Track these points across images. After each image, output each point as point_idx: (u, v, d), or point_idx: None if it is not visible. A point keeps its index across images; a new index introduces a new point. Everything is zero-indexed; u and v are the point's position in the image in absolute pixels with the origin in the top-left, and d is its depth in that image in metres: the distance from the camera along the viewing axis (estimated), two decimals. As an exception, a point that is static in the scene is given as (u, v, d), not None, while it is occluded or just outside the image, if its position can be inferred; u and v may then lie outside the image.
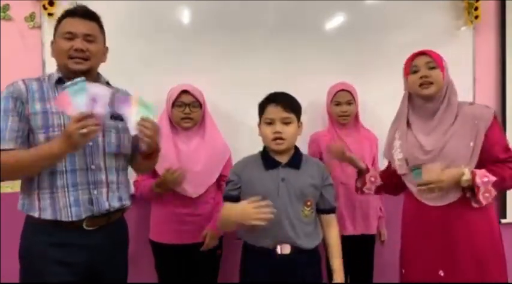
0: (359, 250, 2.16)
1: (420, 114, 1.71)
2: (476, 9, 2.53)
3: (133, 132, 1.42)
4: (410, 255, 1.73)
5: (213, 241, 1.97)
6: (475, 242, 1.59)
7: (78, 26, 1.45)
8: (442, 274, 1.62)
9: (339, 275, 1.61)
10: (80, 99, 1.28)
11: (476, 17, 2.54)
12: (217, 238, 1.99)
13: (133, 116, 1.42)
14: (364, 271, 2.21)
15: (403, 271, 1.76)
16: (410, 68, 1.69)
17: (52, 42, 1.51)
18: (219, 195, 2.04)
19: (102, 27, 1.53)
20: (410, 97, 1.74)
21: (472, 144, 1.58)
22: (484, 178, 1.54)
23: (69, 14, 1.47)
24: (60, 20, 1.48)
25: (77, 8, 1.48)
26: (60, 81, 1.47)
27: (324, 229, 1.65)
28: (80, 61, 1.44)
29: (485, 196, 1.55)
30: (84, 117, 1.27)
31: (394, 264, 1.87)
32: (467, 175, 1.54)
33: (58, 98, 1.34)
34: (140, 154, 1.59)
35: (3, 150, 1.34)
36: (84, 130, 1.26)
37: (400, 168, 1.73)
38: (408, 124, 1.74)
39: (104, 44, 1.55)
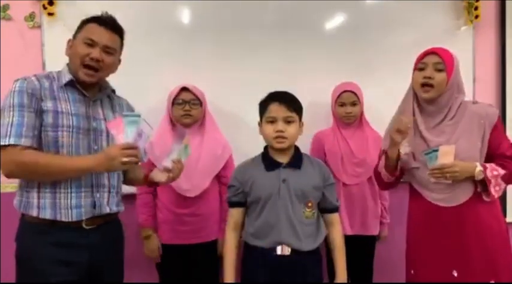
0: (358, 250, 2.15)
1: (423, 113, 1.71)
2: (476, 8, 2.53)
3: (168, 164, 1.51)
4: (420, 256, 1.71)
5: None
6: (487, 241, 1.60)
7: (102, 35, 1.45)
8: (455, 274, 1.62)
9: (341, 276, 1.61)
10: (130, 130, 1.34)
11: (476, 17, 2.53)
12: None
13: (175, 152, 1.52)
14: (364, 271, 2.20)
15: (412, 271, 1.74)
16: (418, 65, 1.68)
17: (69, 40, 1.50)
18: (220, 195, 2.05)
19: (123, 42, 1.54)
20: (416, 93, 1.73)
21: (479, 143, 1.61)
22: (494, 171, 1.58)
23: (97, 20, 1.47)
24: (85, 23, 1.48)
25: (106, 17, 1.48)
26: (71, 83, 1.46)
27: (327, 228, 1.65)
28: (91, 73, 1.45)
29: (496, 189, 1.59)
30: (131, 147, 1.33)
31: (394, 264, 1.87)
32: (479, 168, 1.57)
33: (112, 122, 1.41)
34: (146, 178, 1.63)
35: (20, 146, 1.33)
36: (126, 159, 1.31)
37: (409, 162, 1.72)
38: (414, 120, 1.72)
39: (119, 57, 1.56)
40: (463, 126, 1.62)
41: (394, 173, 1.75)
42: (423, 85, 1.63)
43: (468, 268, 1.60)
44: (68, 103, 1.44)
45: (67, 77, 1.46)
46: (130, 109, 1.66)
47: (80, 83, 1.47)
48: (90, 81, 1.45)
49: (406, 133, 1.62)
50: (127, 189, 1.73)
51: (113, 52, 1.49)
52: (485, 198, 1.61)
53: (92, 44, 1.44)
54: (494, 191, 1.59)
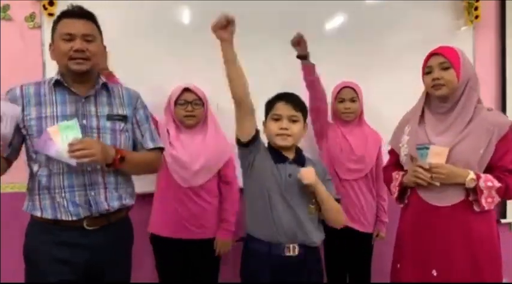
0: (355, 248, 2.16)
1: (435, 112, 1.70)
2: (476, 9, 2.53)
3: (73, 162, 1.36)
4: (405, 251, 1.72)
5: (225, 247, 2.01)
6: (473, 246, 1.58)
7: (76, 26, 1.44)
8: (435, 274, 1.61)
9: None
10: None
11: (476, 17, 2.54)
12: (229, 244, 2.03)
13: (61, 148, 1.35)
14: (362, 271, 2.21)
15: (398, 265, 1.75)
16: (425, 69, 1.68)
17: (50, 45, 1.51)
18: (222, 195, 2.06)
19: (99, 27, 1.53)
20: (428, 95, 1.73)
21: (482, 151, 1.58)
22: (488, 182, 1.54)
23: (66, 15, 1.46)
24: (56, 22, 1.48)
25: (73, 8, 1.48)
26: (58, 83, 1.47)
27: None
28: (81, 61, 1.44)
29: (488, 201, 1.55)
30: None
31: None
32: (471, 176, 1.54)
33: None
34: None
35: None
36: None
37: (406, 164, 1.73)
38: (421, 121, 1.72)
39: (102, 43, 1.55)
40: (470, 130, 1.60)
41: (403, 200, 1.76)
42: (433, 86, 1.63)
43: (449, 269, 1.59)
44: (54, 106, 1.45)
45: (54, 78, 1.47)
46: (134, 96, 1.62)
47: (71, 80, 1.47)
48: (81, 69, 1.45)
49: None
50: (140, 188, 1.72)
51: (93, 39, 1.48)
52: (475, 208, 1.57)
53: (70, 38, 1.44)
54: (486, 202, 1.55)
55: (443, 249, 1.60)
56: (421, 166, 1.58)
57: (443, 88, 1.61)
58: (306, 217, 1.55)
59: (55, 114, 1.43)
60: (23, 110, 1.42)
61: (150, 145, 1.61)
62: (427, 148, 1.57)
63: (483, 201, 1.55)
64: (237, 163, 1.90)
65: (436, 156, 1.55)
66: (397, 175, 1.76)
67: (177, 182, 1.94)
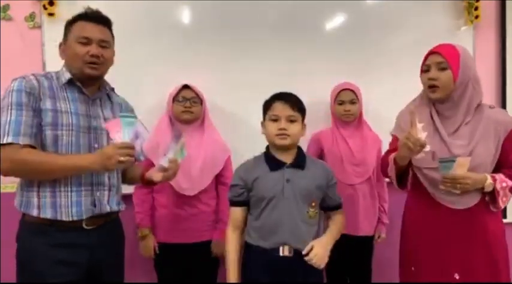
0: (356, 250, 2.16)
1: (440, 115, 1.67)
2: (476, 9, 2.53)
3: (165, 163, 1.51)
4: (422, 254, 1.69)
5: (222, 248, 1.99)
6: (491, 246, 1.60)
7: (94, 31, 1.46)
8: (457, 277, 1.61)
9: (328, 236, 1.59)
10: (127, 131, 1.37)
11: (476, 17, 2.53)
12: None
13: (172, 151, 1.53)
14: (362, 272, 2.21)
15: (413, 268, 1.73)
16: (423, 67, 1.67)
17: (61, 44, 1.51)
18: (218, 196, 2.05)
19: (112, 32, 1.55)
20: None
21: (493, 150, 1.60)
22: (503, 183, 1.57)
23: (84, 18, 1.47)
24: (72, 22, 1.48)
25: (92, 12, 1.48)
26: (70, 82, 1.47)
27: (329, 220, 1.67)
28: (96, 67, 1.46)
29: (503, 200, 1.60)
30: (127, 147, 1.34)
31: (393, 264, 1.86)
32: (489, 180, 1.56)
33: (111, 122, 1.40)
34: (142, 177, 1.62)
35: (18, 144, 1.34)
36: (123, 159, 1.32)
37: (426, 161, 1.63)
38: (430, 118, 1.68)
39: (114, 48, 1.56)
40: (481, 130, 1.60)
41: (404, 185, 1.73)
42: (429, 86, 1.62)
43: (472, 272, 1.59)
44: (67, 102, 1.44)
45: (66, 76, 1.46)
46: (129, 108, 1.66)
47: (80, 81, 1.47)
48: (95, 74, 1.46)
49: (416, 150, 1.51)
50: (126, 189, 1.74)
51: (108, 45, 1.50)
52: (492, 208, 1.61)
53: (87, 42, 1.45)
54: (502, 202, 1.60)
55: (465, 252, 1.61)
56: (446, 178, 1.56)
57: (438, 92, 1.61)
58: (303, 221, 1.55)
59: (69, 110, 1.43)
60: (40, 100, 1.40)
61: (141, 158, 1.68)
62: (453, 161, 1.55)
63: (500, 201, 1.59)
64: (235, 164, 1.90)
65: (460, 167, 1.54)
66: (391, 157, 1.70)
67: (174, 188, 1.94)
